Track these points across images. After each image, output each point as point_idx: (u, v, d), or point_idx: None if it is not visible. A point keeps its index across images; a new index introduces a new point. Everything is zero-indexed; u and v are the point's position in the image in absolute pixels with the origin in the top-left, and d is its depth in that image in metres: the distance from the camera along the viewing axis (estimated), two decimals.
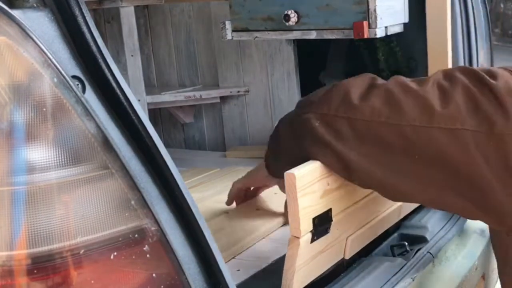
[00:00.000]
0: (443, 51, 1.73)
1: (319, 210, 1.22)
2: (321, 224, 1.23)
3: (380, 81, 1.23)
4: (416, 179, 1.15)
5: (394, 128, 1.13)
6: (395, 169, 1.15)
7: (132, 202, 0.91)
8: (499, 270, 1.26)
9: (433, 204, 1.25)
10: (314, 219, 1.21)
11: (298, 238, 1.18)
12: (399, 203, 1.57)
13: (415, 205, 1.71)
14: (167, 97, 2.55)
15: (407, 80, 1.20)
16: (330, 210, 1.26)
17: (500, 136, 1.06)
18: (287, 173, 1.16)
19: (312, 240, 1.22)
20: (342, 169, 1.22)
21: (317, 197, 1.21)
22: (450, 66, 1.77)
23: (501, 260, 1.24)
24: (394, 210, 1.56)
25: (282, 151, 1.35)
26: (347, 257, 1.40)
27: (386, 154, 1.15)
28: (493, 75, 1.13)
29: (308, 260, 1.24)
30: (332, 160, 1.20)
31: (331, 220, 1.26)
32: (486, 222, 1.20)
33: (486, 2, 2.19)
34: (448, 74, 1.17)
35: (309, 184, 1.19)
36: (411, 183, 1.16)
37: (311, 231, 1.21)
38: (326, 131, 1.20)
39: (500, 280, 1.26)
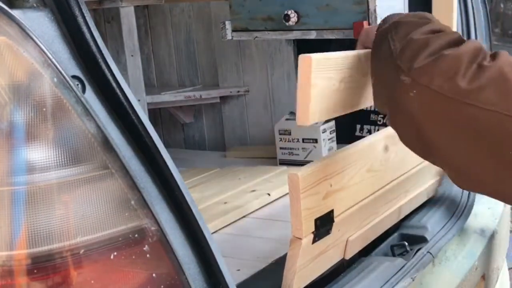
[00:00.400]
0: None
1: (322, 211, 1.22)
2: (323, 225, 1.23)
3: (487, 53, 1.11)
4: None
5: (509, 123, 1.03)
6: (490, 162, 1.07)
7: (132, 202, 0.91)
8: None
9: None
10: (316, 220, 1.20)
11: (300, 239, 1.18)
12: (398, 204, 1.57)
13: (415, 205, 1.71)
14: (167, 97, 2.55)
15: None
16: (332, 211, 1.25)
17: None
18: (290, 174, 1.15)
19: (314, 241, 1.22)
20: (422, 146, 1.14)
21: (320, 198, 1.21)
22: None
23: None
24: (394, 210, 1.56)
25: (376, 86, 1.25)
26: (347, 258, 1.40)
27: (489, 146, 1.06)
28: None
29: (309, 260, 1.24)
30: (412, 135, 1.14)
31: (333, 221, 1.26)
32: None
33: (486, 2, 2.19)
34: None
35: (313, 185, 1.18)
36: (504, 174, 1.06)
37: (313, 232, 1.21)
38: (419, 104, 1.11)
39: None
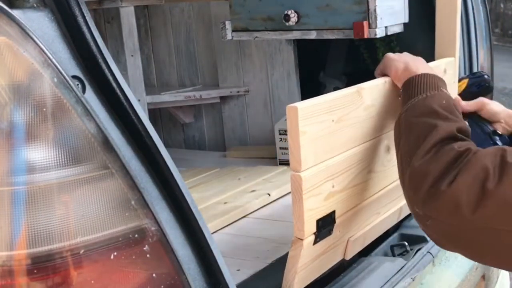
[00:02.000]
0: (451, 48, 1.71)
1: (323, 212, 1.22)
2: (325, 226, 1.23)
3: (494, 176, 1.05)
4: None
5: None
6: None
7: (132, 202, 0.91)
8: None
9: None
10: (318, 221, 1.20)
11: (302, 240, 1.18)
12: (399, 204, 1.57)
13: None
14: (167, 97, 2.55)
15: None
16: (334, 212, 1.25)
17: None
18: (293, 174, 1.15)
19: (315, 242, 1.22)
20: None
21: (322, 199, 1.21)
22: (457, 63, 1.74)
23: None
24: (395, 211, 1.55)
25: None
26: (347, 258, 1.40)
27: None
28: None
29: (310, 261, 1.24)
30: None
31: (335, 222, 1.26)
32: None
33: (486, 2, 2.19)
34: None
35: (315, 186, 1.18)
36: None
37: (314, 233, 1.20)
38: (434, 231, 1.12)
39: None
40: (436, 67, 1.49)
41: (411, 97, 1.26)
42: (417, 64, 1.34)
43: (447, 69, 1.62)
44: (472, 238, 1.07)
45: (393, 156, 1.43)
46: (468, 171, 1.06)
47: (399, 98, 1.33)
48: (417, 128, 1.18)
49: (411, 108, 1.24)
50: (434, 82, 1.28)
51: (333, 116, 1.22)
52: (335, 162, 1.24)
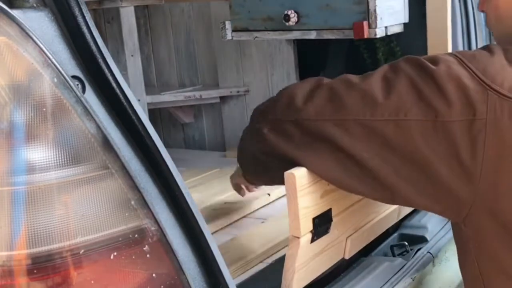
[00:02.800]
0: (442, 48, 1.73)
1: (319, 210, 1.22)
2: (321, 224, 1.23)
3: (326, 81, 1.22)
4: (364, 174, 1.13)
5: (339, 125, 1.12)
6: (344, 165, 1.14)
7: (132, 202, 0.91)
8: (459, 263, 1.24)
9: (389, 199, 1.23)
10: (314, 219, 1.21)
11: (298, 238, 1.18)
12: None
13: None
14: (167, 97, 2.55)
15: (353, 77, 1.18)
16: (330, 210, 1.25)
17: (443, 124, 1.05)
18: (287, 173, 1.16)
19: (312, 240, 1.22)
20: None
21: (317, 197, 1.21)
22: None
23: (461, 253, 1.22)
24: (393, 210, 1.56)
25: (248, 162, 1.37)
26: (347, 257, 1.40)
27: (334, 151, 1.14)
28: (435, 61, 1.10)
29: (308, 260, 1.24)
30: (284, 163, 1.19)
31: (331, 220, 1.26)
32: (442, 214, 1.18)
33: None
34: (393, 66, 1.15)
35: (309, 184, 1.19)
36: (359, 178, 1.14)
37: (311, 231, 1.21)
38: (274, 135, 1.20)
39: (462, 272, 1.24)
40: None
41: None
42: None
43: None
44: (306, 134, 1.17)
45: None
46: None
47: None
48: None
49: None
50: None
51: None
52: None
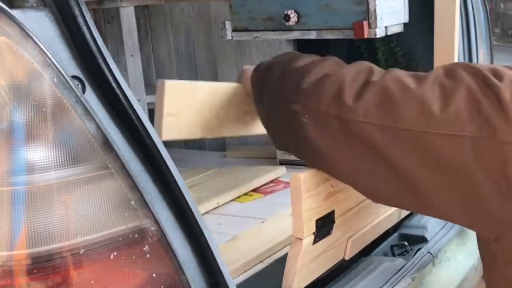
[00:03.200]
0: (449, 49, 1.70)
1: (323, 212, 1.22)
2: (324, 226, 1.23)
3: (376, 75, 1.15)
4: (403, 184, 1.09)
5: (387, 131, 1.07)
6: (383, 174, 1.10)
7: (132, 202, 0.91)
8: (485, 275, 1.22)
9: (420, 209, 1.21)
10: (317, 221, 1.21)
11: (301, 239, 1.18)
12: None
13: None
14: None
15: (405, 76, 1.12)
16: (333, 212, 1.25)
17: (500, 144, 1.00)
18: (293, 175, 1.15)
19: (315, 242, 1.22)
20: (327, 169, 1.19)
21: (321, 199, 1.21)
22: (455, 59, 1.74)
23: (488, 264, 1.20)
24: (394, 210, 1.55)
25: (273, 127, 1.29)
26: (347, 258, 1.40)
27: (376, 158, 1.09)
28: (498, 74, 1.05)
29: (309, 261, 1.24)
30: (317, 159, 1.17)
31: (334, 222, 1.26)
32: (473, 228, 1.16)
33: (486, 2, 2.19)
34: (450, 71, 1.09)
35: (314, 186, 1.18)
36: (395, 188, 1.11)
37: (313, 233, 1.21)
38: (314, 127, 1.14)
39: (486, 284, 1.23)
40: None
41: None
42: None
43: None
44: (346, 133, 1.12)
45: None
46: (353, 65, 1.23)
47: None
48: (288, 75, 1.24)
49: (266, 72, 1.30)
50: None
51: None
52: None
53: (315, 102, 1.14)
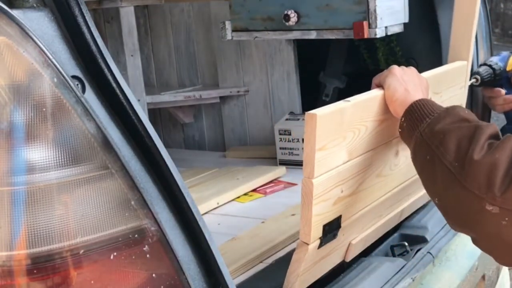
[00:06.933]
0: (465, 52, 1.69)
1: (330, 217, 1.21)
2: (331, 231, 1.22)
3: None
4: None
5: None
6: None
7: (132, 202, 0.91)
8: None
9: None
10: (324, 226, 1.20)
11: (308, 244, 1.17)
12: (401, 207, 1.57)
13: (416, 206, 1.70)
14: (166, 97, 2.55)
15: None
16: (340, 216, 1.25)
17: None
18: (305, 179, 1.13)
19: (320, 246, 1.21)
20: None
21: (330, 204, 1.20)
22: (469, 67, 1.73)
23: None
24: (396, 213, 1.55)
25: (421, 173, 1.20)
26: (347, 260, 1.40)
27: None
28: None
29: (312, 264, 1.24)
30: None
31: (340, 227, 1.26)
32: None
33: (486, 2, 2.19)
34: None
35: (325, 192, 1.17)
36: None
37: (320, 238, 1.20)
38: None
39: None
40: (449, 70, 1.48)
41: (424, 116, 1.19)
42: (416, 90, 1.27)
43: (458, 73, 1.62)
44: None
45: (399, 160, 1.42)
46: None
47: (401, 123, 1.24)
48: (457, 132, 1.12)
49: (434, 121, 1.17)
50: (436, 105, 1.21)
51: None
52: (346, 168, 1.23)
53: (469, 179, 1.06)
